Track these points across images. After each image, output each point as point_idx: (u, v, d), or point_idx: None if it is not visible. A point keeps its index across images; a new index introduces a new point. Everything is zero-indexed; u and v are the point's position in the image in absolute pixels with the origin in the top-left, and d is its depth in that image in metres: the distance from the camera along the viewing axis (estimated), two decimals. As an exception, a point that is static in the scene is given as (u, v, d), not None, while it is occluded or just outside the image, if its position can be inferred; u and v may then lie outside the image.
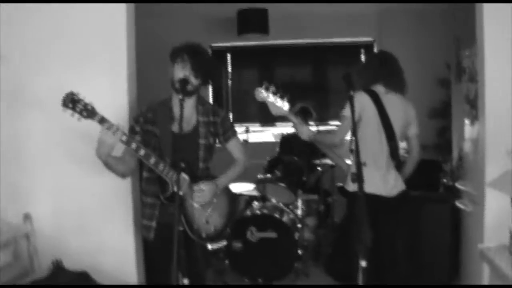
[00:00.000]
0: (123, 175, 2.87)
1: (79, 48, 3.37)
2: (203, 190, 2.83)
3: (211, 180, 2.90)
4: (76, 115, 2.49)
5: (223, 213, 2.97)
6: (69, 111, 2.48)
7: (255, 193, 5.00)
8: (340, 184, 4.11)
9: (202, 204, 2.86)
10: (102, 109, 2.56)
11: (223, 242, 2.98)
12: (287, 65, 6.90)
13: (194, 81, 2.80)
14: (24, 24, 3.38)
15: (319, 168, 5.14)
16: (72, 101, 2.48)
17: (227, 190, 3.03)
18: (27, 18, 3.37)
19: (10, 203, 3.39)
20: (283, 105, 3.08)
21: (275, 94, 3.07)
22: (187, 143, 2.84)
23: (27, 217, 3.38)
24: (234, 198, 3.09)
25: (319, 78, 6.84)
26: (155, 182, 2.82)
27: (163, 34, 5.81)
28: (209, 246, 2.96)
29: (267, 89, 3.07)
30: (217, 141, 3.02)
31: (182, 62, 2.79)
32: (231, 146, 3.06)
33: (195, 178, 2.83)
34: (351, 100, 2.55)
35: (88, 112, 2.50)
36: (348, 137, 3.26)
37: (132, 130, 2.84)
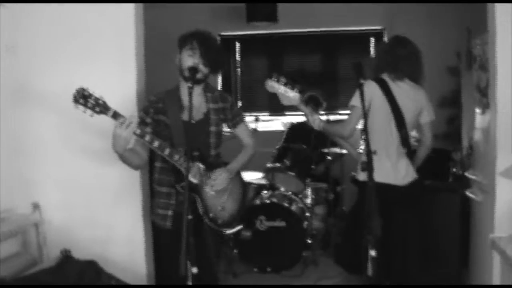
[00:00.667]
0: (137, 167, 2.88)
1: (87, 41, 3.37)
2: (220, 177, 2.83)
3: (224, 166, 2.91)
4: (88, 111, 2.48)
5: (237, 198, 2.98)
6: (81, 107, 2.48)
7: (264, 182, 5.01)
8: (353, 173, 4.11)
9: (218, 191, 2.85)
10: (110, 102, 2.55)
11: (240, 227, 2.98)
12: (296, 54, 6.86)
13: (203, 69, 2.80)
14: (33, 17, 3.38)
15: (328, 157, 5.13)
16: (83, 97, 2.47)
17: (238, 175, 3.03)
18: (36, 11, 3.38)
19: (19, 193, 3.41)
20: (294, 95, 3.08)
21: (285, 84, 3.07)
22: (198, 131, 2.85)
23: (36, 207, 3.40)
24: (245, 183, 3.10)
25: (329, 67, 6.80)
26: (169, 171, 2.82)
27: (169, 23, 5.78)
28: (226, 232, 2.96)
29: (277, 80, 3.07)
30: (227, 127, 3.03)
31: (191, 49, 2.78)
32: (240, 130, 3.07)
33: (207, 166, 2.83)
34: (361, 89, 2.54)
35: (101, 107, 2.49)
36: (360, 126, 3.25)
37: (142, 122, 2.82)
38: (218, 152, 2.97)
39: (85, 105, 2.47)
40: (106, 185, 3.43)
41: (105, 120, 2.53)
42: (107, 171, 3.34)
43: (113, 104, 2.55)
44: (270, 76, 3.08)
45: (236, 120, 3.02)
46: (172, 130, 2.80)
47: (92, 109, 2.48)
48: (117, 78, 3.35)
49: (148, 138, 2.62)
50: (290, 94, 3.08)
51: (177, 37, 2.86)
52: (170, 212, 2.87)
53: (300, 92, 3.08)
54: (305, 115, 3.20)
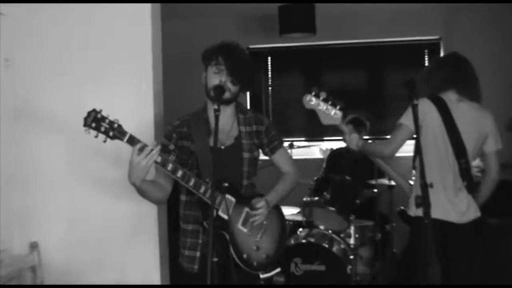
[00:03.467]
0: (159, 201, 2.89)
1: (96, 55, 3.41)
2: (259, 210, 2.80)
3: (261, 198, 2.87)
4: (102, 136, 2.48)
5: (275, 237, 2.94)
6: (93, 132, 2.47)
7: (300, 218, 4.98)
8: (401, 207, 4.04)
9: (252, 228, 2.83)
10: (123, 125, 2.57)
11: (277, 270, 2.95)
12: (337, 69, 6.89)
13: (231, 87, 2.80)
14: (35, 25, 3.44)
15: (375, 190, 5.08)
16: (95, 120, 2.46)
17: (277, 209, 3.00)
18: (39, 18, 3.44)
19: (15, 230, 3.42)
20: (336, 113, 3.06)
21: (326, 101, 3.06)
22: (229, 158, 2.84)
23: (33, 247, 3.40)
24: (284, 218, 3.05)
25: (374, 85, 6.81)
26: (196, 206, 2.82)
27: (192, 36, 5.89)
28: (262, 276, 2.92)
29: (316, 96, 3.05)
30: (263, 153, 3.02)
31: (216, 65, 2.79)
32: (278, 157, 3.04)
33: (239, 198, 2.82)
34: (414, 110, 2.53)
35: (115, 131, 2.48)
36: (411, 153, 3.23)
37: (165, 149, 2.81)
38: (252, 182, 2.95)
39: (97, 129, 2.46)
40: (118, 221, 3.43)
41: (120, 146, 2.53)
42: (120, 204, 3.35)
43: (126, 128, 2.56)
44: (309, 90, 3.08)
45: (273, 145, 3.00)
46: (199, 158, 2.80)
47: (106, 133, 2.47)
48: (131, 99, 3.38)
49: (170, 167, 2.61)
50: (331, 112, 3.06)
51: (199, 52, 2.88)
52: (198, 254, 2.85)
53: (342, 109, 3.07)
54: (343, 135, 3.20)
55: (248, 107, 6.65)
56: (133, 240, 3.43)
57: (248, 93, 6.60)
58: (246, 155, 2.89)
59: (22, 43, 3.44)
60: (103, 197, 3.41)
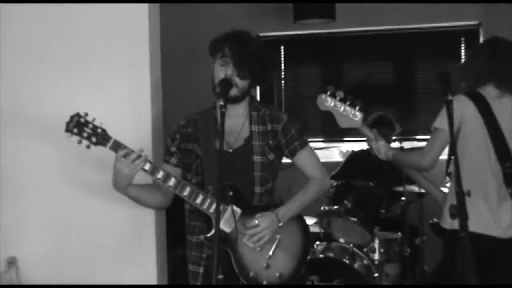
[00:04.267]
0: (157, 207, 2.97)
1: (86, 49, 3.41)
2: (259, 227, 2.78)
3: (270, 211, 2.84)
4: (85, 142, 2.63)
5: (292, 253, 2.90)
6: (75, 137, 2.62)
7: (316, 230, 4.94)
8: (434, 219, 4.02)
9: (259, 244, 2.81)
10: (117, 129, 2.63)
11: None
12: (359, 61, 6.89)
13: (239, 82, 2.80)
14: (19, 20, 3.43)
15: (403, 198, 5.06)
16: (77, 125, 2.62)
17: (298, 221, 2.97)
18: (22, 13, 3.43)
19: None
20: (355, 115, 3.05)
21: (343, 100, 3.05)
22: (238, 162, 2.84)
23: (11, 263, 3.38)
24: (308, 232, 3.02)
25: (403, 78, 6.80)
26: (200, 216, 2.84)
27: (196, 24, 5.88)
28: None
29: (332, 95, 3.05)
30: (284, 155, 3.00)
31: (222, 57, 2.80)
32: (300, 160, 3.00)
33: (248, 209, 2.80)
34: (448, 107, 2.52)
35: (98, 137, 2.63)
36: (444, 156, 3.20)
37: (167, 151, 2.92)
38: (268, 189, 2.93)
39: (79, 134, 2.62)
40: (109, 232, 3.41)
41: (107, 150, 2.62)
42: (111, 213, 3.35)
43: (121, 132, 2.62)
44: (325, 89, 3.06)
45: (293, 146, 2.96)
46: (203, 162, 2.82)
47: (89, 139, 2.62)
48: (125, 97, 3.38)
49: (160, 175, 2.68)
50: (349, 113, 3.05)
51: (208, 42, 2.90)
52: (201, 269, 2.89)
53: (362, 110, 3.05)
54: (367, 141, 3.18)
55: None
56: (127, 254, 3.42)
57: (258, 88, 6.59)
58: (257, 158, 2.88)
59: (3, 40, 3.44)
60: (92, 205, 3.40)
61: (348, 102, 3.04)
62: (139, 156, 2.62)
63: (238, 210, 2.77)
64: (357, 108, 3.04)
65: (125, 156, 2.60)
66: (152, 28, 3.43)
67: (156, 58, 3.50)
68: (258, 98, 6.59)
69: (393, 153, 3.16)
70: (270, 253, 2.83)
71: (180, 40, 6.03)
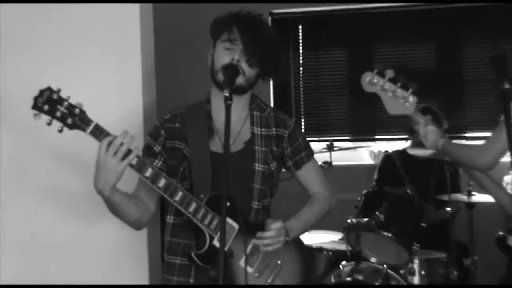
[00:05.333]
0: (138, 224, 2.86)
1: (72, 32, 3.49)
2: (272, 231, 2.77)
3: (280, 225, 2.83)
4: (57, 124, 2.47)
5: (293, 281, 2.93)
6: (45, 117, 2.46)
7: (342, 247, 4.96)
8: (500, 233, 3.98)
9: (260, 268, 2.81)
10: (102, 118, 2.56)
11: None
12: (395, 42, 6.87)
13: (247, 69, 2.79)
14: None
15: (449, 208, 5.03)
16: (49, 101, 2.46)
17: (298, 245, 3.01)
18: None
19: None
20: (407, 99, 3.00)
21: (394, 81, 3.00)
22: (235, 169, 2.75)
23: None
24: (309, 256, 3.07)
25: (449, 62, 6.75)
26: (185, 231, 2.81)
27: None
28: None
29: (380, 74, 3.00)
30: (284, 166, 3.00)
31: (229, 40, 2.78)
32: (307, 173, 3.05)
33: (247, 226, 2.77)
34: (504, 97, 2.47)
35: (76, 118, 2.48)
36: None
37: (148, 152, 2.85)
38: (265, 205, 2.95)
39: (50, 113, 2.45)
40: (92, 252, 3.44)
41: (94, 146, 2.51)
42: (94, 231, 3.39)
43: (109, 125, 2.55)
44: (371, 68, 3.00)
45: (300, 157, 3.00)
46: (193, 165, 2.80)
47: (62, 120, 2.46)
48: (114, 87, 3.43)
49: (148, 172, 2.58)
50: (401, 97, 3.00)
51: (209, 23, 2.88)
52: None
53: (416, 94, 3.00)
54: (413, 124, 3.11)
55: (271, 97, 6.62)
56: (114, 274, 3.46)
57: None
58: (259, 167, 2.89)
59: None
60: (72, 215, 3.44)
61: (399, 84, 2.99)
62: (127, 147, 2.50)
63: (235, 225, 2.76)
64: (410, 91, 2.99)
65: (111, 143, 2.49)
66: (144, 14, 3.51)
67: (149, 44, 3.57)
68: (271, 90, 6.64)
69: (445, 141, 3.08)
70: (269, 280, 2.84)
71: (175, 23, 6.03)
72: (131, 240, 3.41)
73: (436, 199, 5.16)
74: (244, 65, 2.77)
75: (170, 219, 2.91)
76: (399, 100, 2.98)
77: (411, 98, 2.98)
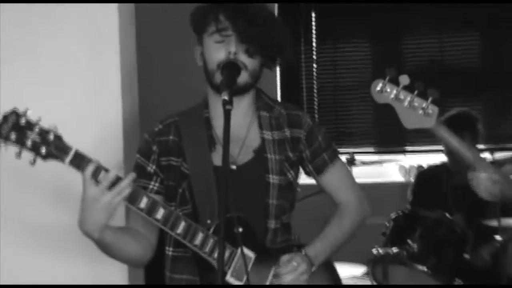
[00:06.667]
0: (140, 262, 2.90)
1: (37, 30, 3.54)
2: (297, 266, 2.76)
3: (298, 251, 2.85)
4: (29, 154, 2.43)
5: None
6: (13, 147, 2.42)
7: (367, 282, 5.00)
8: None
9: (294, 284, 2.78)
10: (73, 129, 2.59)
11: None
12: (424, 35, 6.91)
13: (247, 61, 2.79)
14: None
15: (498, 237, 5.06)
16: (16, 128, 2.41)
17: (327, 269, 3.02)
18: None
19: None
20: (427, 110, 3.03)
21: (409, 89, 3.03)
22: (244, 184, 2.81)
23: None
24: (340, 283, 3.07)
25: (490, 59, 6.78)
26: (191, 265, 2.84)
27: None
28: None
29: (393, 82, 3.03)
30: (304, 173, 3.02)
31: (218, 31, 2.77)
32: (332, 178, 3.06)
33: (261, 252, 2.79)
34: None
35: (51, 147, 2.46)
36: None
37: (141, 173, 2.84)
38: (285, 223, 2.96)
39: (19, 142, 2.42)
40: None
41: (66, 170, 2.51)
42: (83, 269, 3.45)
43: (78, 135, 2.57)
44: (382, 74, 3.03)
45: (321, 159, 3.02)
46: (194, 185, 2.80)
47: (35, 150, 2.43)
48: (88, 90, 3.46)
49: (143, 203, 2.56)
50: (419, 107, 3.02)
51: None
52: None
53: (436, 102, 3.03)
54: (447, 150, 3.14)
55: (278, 95, 6.66)
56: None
57: (278, 74, 6.59)
58: (274, 178, 2.89)
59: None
60: (43, 257, 3.50)
61: (416, 92, 3.00)
62: (118, 178, 2.48)
63: (251, 255, 2.76)
64: (430, 99, 3.00)
65: (97, 174, 2.46)
66: (123, 14, 3.58)
67: (130, 46, 3.63)
68: (278, 89, 6.68)
69: (502, 187, 3.00)
70: None
71: (161, 17, 6.10)
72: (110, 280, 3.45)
73: (482, 224, 5.15)
74: (243, 57, 2.77)
75: (169, 251, 2.91)
76: (417, 112, 2.97)
77: (431, 109, 2.96)
